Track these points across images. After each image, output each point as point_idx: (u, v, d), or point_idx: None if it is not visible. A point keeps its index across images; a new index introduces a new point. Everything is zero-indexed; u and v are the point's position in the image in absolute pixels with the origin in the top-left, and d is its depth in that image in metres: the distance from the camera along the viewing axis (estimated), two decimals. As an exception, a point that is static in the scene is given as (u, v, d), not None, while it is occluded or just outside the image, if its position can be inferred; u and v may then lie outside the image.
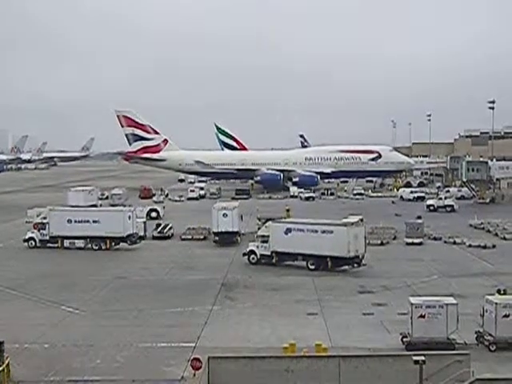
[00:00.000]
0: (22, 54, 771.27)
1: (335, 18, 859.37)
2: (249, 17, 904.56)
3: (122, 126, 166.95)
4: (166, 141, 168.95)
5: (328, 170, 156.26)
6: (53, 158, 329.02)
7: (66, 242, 71.68)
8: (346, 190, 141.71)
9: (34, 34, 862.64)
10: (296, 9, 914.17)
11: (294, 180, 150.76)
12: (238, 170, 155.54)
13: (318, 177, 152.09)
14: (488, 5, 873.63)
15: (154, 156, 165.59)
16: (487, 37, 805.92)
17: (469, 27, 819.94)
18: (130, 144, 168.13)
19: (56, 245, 71.89)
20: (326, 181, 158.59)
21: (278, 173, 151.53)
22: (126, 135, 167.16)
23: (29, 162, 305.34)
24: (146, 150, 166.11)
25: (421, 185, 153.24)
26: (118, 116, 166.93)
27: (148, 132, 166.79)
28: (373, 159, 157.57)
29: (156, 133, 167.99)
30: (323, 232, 58.82)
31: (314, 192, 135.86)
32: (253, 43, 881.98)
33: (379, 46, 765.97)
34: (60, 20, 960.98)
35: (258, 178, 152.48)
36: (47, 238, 72.34)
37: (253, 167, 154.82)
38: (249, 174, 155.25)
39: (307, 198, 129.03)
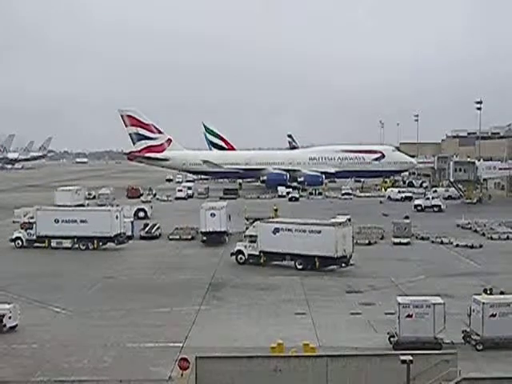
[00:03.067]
0: (7, 51, 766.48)
1: (322, 20, 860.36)
2: (230, 17, 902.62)
3: (126, 126, 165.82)
4: (169, 140, 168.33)
5: (332, 170, 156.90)
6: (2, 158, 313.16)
7: (54, 242, 71.41)
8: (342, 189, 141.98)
9: (21, 32, 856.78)
10: (280, 9, 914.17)
11: (299, 180, 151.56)
12: (244, 169, 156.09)
13: (324, 176, 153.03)
14: (473, 4, 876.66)
15: (158, 155, 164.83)
16: (473, 38, 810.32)
17: (453, 27, 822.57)
18: (133, 143, 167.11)
19: (43, 245, 71.57)
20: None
21: (284, 172, 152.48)
22: (130, 134, 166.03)
23: (15, 161, 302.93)
24: (149, 149, 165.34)
25: (423, 184, 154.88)
26: (121, 115, 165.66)
27: (152, 131, 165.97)
28: (376, 159, 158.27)
29: (160, 132, 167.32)
30: (311, 232, 58.89)
31: (299, 191, 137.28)
32: (242, 44, 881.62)
33: (367, 49, 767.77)
34: (55, 23, 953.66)
35: (265, 177, 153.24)
36: (34, 237, 72.04)
37: (259, 167, 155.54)
38: (255, 174, 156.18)
39: (290, 199, 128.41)
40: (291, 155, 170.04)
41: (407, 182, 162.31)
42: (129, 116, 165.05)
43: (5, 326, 39.63)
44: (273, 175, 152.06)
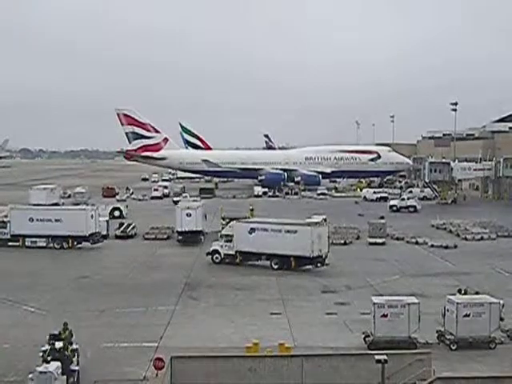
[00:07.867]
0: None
1: (302, 22, 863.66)
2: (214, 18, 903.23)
3: (122, 124, 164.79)
4: (166, 139, 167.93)
5: (328, 170, 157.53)
6: None
7: (28, 241, 70.78)
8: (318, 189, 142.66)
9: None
10: (263, 13, 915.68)
11: (296, 179, 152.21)
12: (242, 169, 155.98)
13: (320, 176, 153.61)
14: (450, 9, 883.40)
15: (155, 154, 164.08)
16: (449, 41, 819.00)
17: (429, 31, 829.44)
18: (129, 142, 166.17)
19: (17, 243, 70.88)
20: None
21: (281, 172, 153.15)
22: (126, 133, 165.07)
23: None
24: (146, 148, 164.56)
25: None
26: (118, 114, 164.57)
27: (148, 130, 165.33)
28: (372, 159, 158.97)
29: (156, 131, 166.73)
30: (287, 232, 58.93)
31: (275, 191, 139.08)
32: (221, 47, 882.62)
33: (343, 52, 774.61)
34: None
35: (263, 177, 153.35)
36: (8, 236, 71.41)
37: (256, 166, 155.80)
38: (253, 174, 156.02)
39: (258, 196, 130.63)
40: (287, 155, 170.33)
41: (403, 182, 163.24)
42: (125, 115, 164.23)
43: None
44: (271, 175, 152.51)
